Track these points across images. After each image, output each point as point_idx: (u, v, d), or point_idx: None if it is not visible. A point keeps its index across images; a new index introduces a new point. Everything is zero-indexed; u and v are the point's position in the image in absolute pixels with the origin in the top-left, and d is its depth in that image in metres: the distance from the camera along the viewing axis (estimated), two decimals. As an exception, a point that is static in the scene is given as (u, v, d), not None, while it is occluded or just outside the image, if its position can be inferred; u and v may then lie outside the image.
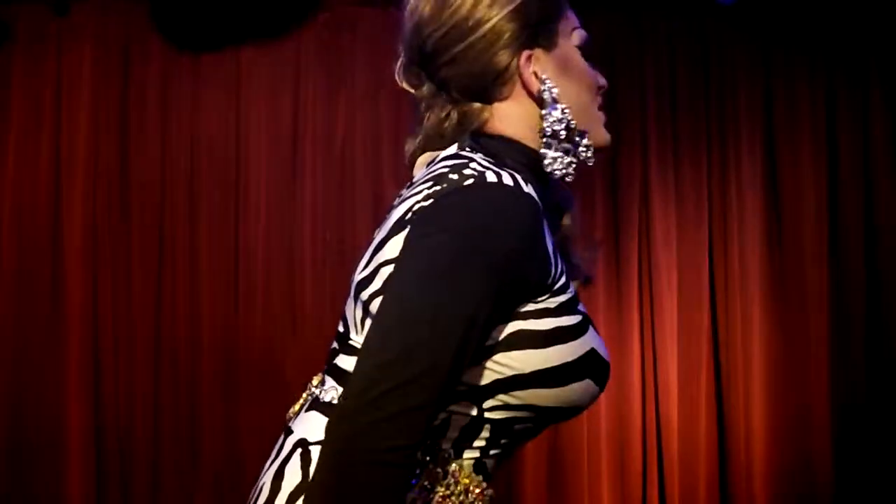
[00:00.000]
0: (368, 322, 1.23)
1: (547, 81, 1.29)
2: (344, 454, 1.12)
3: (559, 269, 1.25)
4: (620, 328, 4.11)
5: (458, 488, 1.26)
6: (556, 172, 1.29)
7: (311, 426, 1.27)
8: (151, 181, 3.98)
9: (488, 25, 1.27)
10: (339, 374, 1.28)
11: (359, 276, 1.27)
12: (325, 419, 1.24)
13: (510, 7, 1.28)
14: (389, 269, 1.21)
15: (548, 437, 4.06)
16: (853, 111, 4.24)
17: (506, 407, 1.24)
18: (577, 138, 1.31)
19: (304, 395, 1.35)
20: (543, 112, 1.28)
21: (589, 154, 1.32)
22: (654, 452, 4.07)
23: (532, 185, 1.26)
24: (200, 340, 3.92)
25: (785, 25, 4.22)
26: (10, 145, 3.95)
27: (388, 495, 1.13)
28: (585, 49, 1.34)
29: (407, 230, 1.20)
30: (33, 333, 3.89)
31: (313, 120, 4.01)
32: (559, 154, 1.29)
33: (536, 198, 1.24)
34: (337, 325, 1.34)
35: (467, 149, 1.29)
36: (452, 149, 1.30)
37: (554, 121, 1.28)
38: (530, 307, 1.22)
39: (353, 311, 1.28)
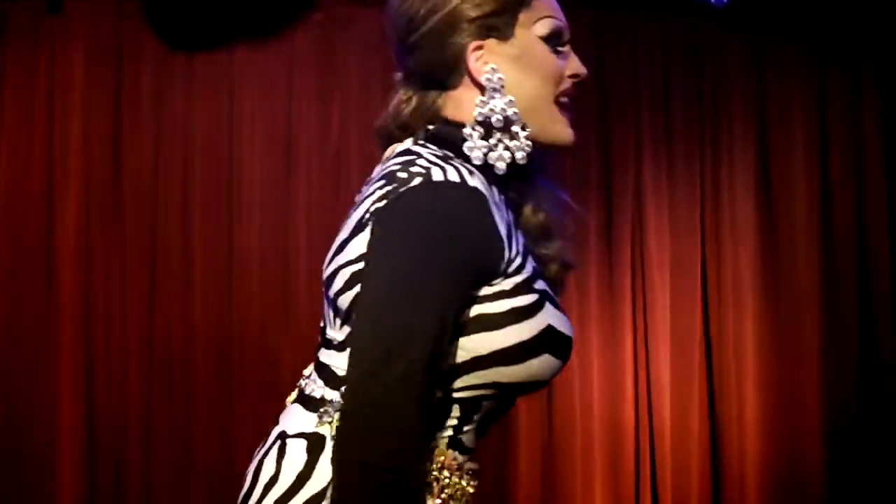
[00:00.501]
0: (339, 320, 1.29)
1: (492, 71, 1.30)
2: (353, 463, 1.17)
3: (514, 252, 1.29)
4: (613, 330, 4.11)
5: (434, 465, 1.31)
6: (474, 158, 1.30)
7: (291, 419, 1.32)
8: (144, 180, 3.96)
9: (443, 13, 1.31)
10: (321, 368, 1.33)
11: (324, 274, 1.31)
12: (306, 412, 1.30)
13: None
14: (352, 269, 1.25)
15: (541, 438, 4.06)
16: (846, 112, 4.26)
17: (471, 387, 1.29)
18: (516, 130, 1.30)
19: (298, 385, 1.40)
20: (478, 100, 1.30)
21: (524, 149, 1.30)
22: (646, 453, 4.08)
23: (481, 173, 1.30)
24: (194, 341, 3.91)
25: (778, 26, 4.23)
26: (1, 144, 3.93)
27: (407, 490, 1.18)
28: (554, 39, 1.35)
29: (366, 232, 1.24)
30: (25, 335, 3.87)
31: (307, 119, 4.00)
32: (483, 143, 1.29)
33: (483, 187, 1.26)
34: None
35: (420, 142, 1.33)
36: (408, 142, 1.34)
37: (489, 109, 1.29)
38: (486, 291, 1.25)
39: (325, 308, 1.33)
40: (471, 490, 1.40)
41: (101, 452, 3.89)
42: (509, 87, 1.31)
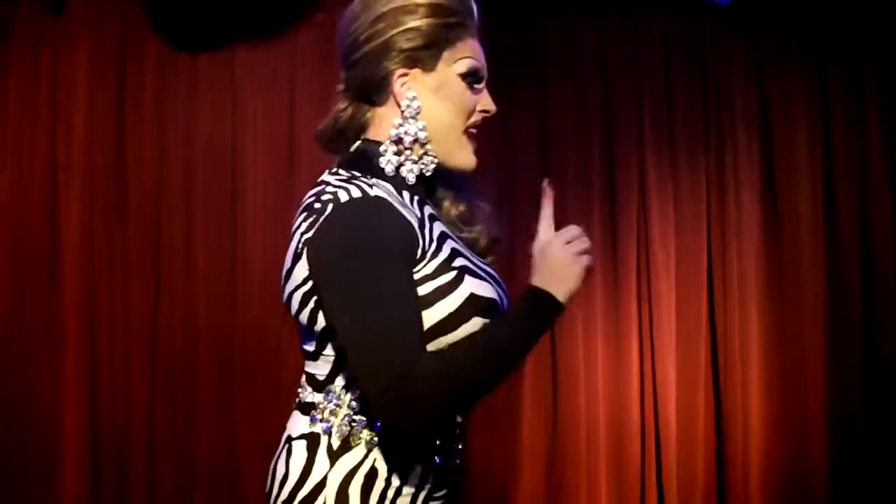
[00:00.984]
0: (305, 334, 1.54)
1: (411, 99, 1.54)
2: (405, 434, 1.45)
3: (428, 240, 1.51)
4: (618, 328, 4.11)
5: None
6: (388, 170, 1.54)
7: (294, 424, 1.57)
8: (148, 180, 3.96)
9: (380, 40, 1.53)
10: (307, 376, 1.57)
11: (283, 298, 1.55)
12: (302, 416, 1.55)
13: (398, 30, 1.52)
14: (301, 291, 1.50)
15: (546, 435, 4.05)
16: (848, 109, 4.26)
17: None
18: (423, 152, 1.55)
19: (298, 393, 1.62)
20: (396, 121, 1.54)
21: (428, 168, 1.55)
22: (651, 451, 4.08)
23: (392, 182, 1.54)
24: (197, 341, 3.91)
25: (779, 24, 4.22)
26: (6, 144, 3.93)
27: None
28: (471, 77, 1.57)
29: (303, 259, 1.47)
30: (29, 334, 3.87)
31: (310, 119, 3.98)
32: (397, 157, 1.53)
33: (385, 194, 1.49)
34: None
35: (332, 171, 1.57)
36: (325, 174, 1.57)
37: (403, 130, 1.53)
38: (416, 277, 1.48)
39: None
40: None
41: (104, 453, 3.89)
42: (425, 114, 1.55)
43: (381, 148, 1.55)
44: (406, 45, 1.54)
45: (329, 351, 1.52)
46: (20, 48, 3.93)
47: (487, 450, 4.01)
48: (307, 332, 1.54)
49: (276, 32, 3.95)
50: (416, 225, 1.50)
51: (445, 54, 1.56)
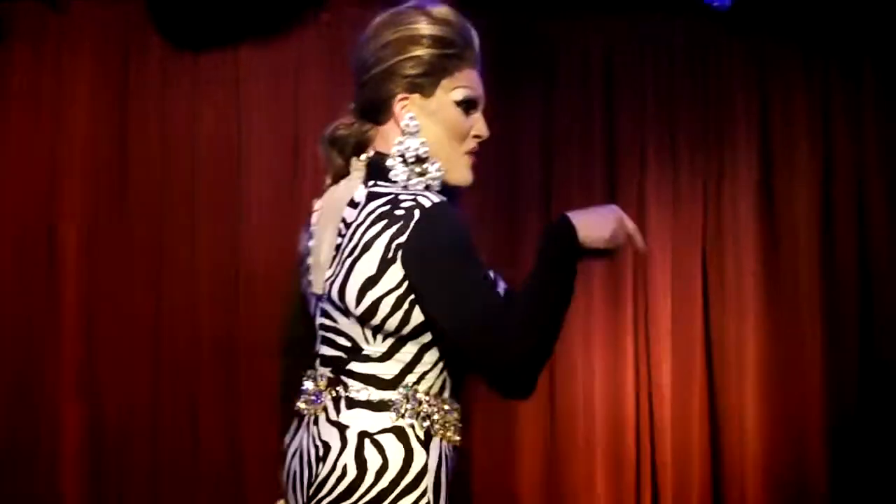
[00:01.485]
0: (380, 336, 1.64)
1: (410, 119, 1.69)
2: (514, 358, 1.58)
3: None
4: (616, 331, 4.13)
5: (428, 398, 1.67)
6: (400, 181, 1.68)
7: (365, 421, 1.65)
8: (151, 180, 3.97)
9: (386, 65, 1.70)
10: (364, 378, 1.66)
11: (355, 306, 1.63)
12: (377, 413, 1.64)
13: (402, 57, 1.69)
14: (395, 295, 1.61)
15: (543, 438, 4.07)
16: (848, 116, 4.28)
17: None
18: (427, 166, 1.70)
19: (310, 399, 1.72)
20: (397, 139, 1.69)
21: (435, 181, 1.70)
22: (647, 454, 4.10)
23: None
24: (200, 341, 3.91)
25: (780, 28, 4.23)
26: (8, 143, 3.94)
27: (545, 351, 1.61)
28: (465, 104, 1.73)
29: (398, 264, 1.59)
30: (30, 333, 3.88)
31: (314, 120, 3.99)
32: (406, 170, 1.69)
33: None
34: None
35: (371, 184, 1.69)
36: (361, 189, 1.70)
37: (405, 146, 1.69)
38: None
39: (356, 331, 1.65)
40: (455, 419, 1.72)
41: (105, 450, 3.89)
42: (423, 133, 1.70)
43: (389, 162, 1.69)
44: (409, 72, 1.70)
45: (406, 351, 1.65)
46: (22, 47, 3.95)
47: (486, 447, 4.02)
48: (386, 334, 1.64)
49: (279, 32, 3.96)
50: None
51: (444, 82, 1.72)
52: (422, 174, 1.69)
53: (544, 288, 1.60)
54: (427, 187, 1.67)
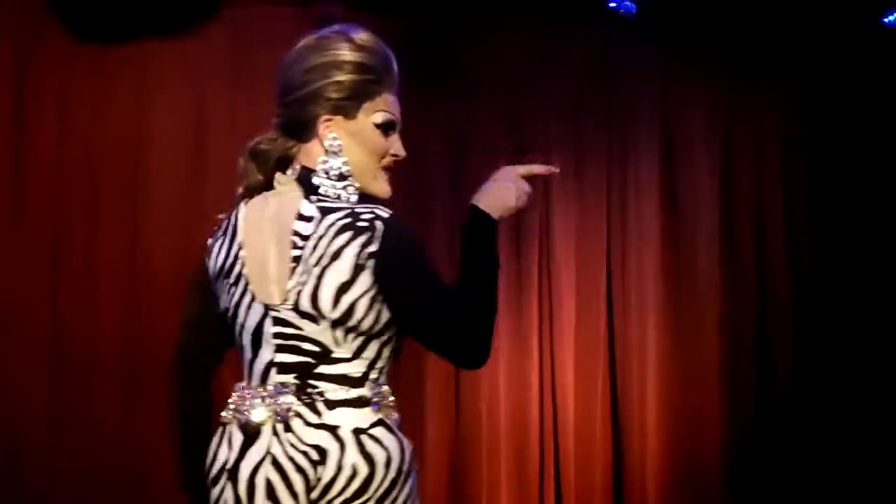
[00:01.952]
0: (352, 335, 1.75)
1: (332, 139, 1.83)
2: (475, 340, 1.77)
3: None
4: (520, 331, 4.18)
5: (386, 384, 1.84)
6: (331, 195, 1.82)
7: (353, 418, 1.75)
8: (48, 177, 3.86)
9: (311, 88, 1.82)
10: (336, 378, 1.76)
11: (332, 311, 1.73)
12: (360, 409, 1.75)
13: (326, 81, 1.81)
14: (368, 296, 1.73)
15: (448, 438, 4.10)
16: (747, 118, 4.42)
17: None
18: (347, 184, 1.84)
19: (278, 404, 1.76)
20: (321, 158, 1.83)
21: (352, 196, 1.83)
22: (550, 454, 4.16)
23: None
24: (99, 341, 3.82)
25: (686, 37, 4.33)
26: None
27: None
28: (384, 127, 1.86)
29: (368, 270, 1.73)
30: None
31: (218, 117, 3.94)
32: (329, 184, 1.83)
33: None
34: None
35: (316, 198, 1.81)
36: (310, 204, 1.80)
37: (328, 165, 1.83)
38: None
39: (326, 335, 1.75)
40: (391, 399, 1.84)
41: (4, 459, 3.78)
42: (345, 152, 1.83)
43: (315, 179, 1.82)
44: (332, 96, 1.82)
45: (370, 349, 1.78)
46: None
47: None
48: (357, 334, 1.76)
49: (185, 28, 3.90)
50: None
51: (365, 106, 1.84)
52: (343, 188, 1.83)
53: (481, 274, 1.77)
54: (361, 198, 1.84)
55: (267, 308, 1.76)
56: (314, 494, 1.71)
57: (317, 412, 1.74)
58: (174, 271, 3.80)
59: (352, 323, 1.74)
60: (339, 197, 1.82)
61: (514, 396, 4.14)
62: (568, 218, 4.25)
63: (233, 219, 1.87)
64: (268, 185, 1.85)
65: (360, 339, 1.76)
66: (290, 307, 1.74)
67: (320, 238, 1.75)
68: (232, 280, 1.82)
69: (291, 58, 1.86)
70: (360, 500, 1.73)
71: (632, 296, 4.27)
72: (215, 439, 1.81)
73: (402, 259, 1.75)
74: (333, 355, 1.77)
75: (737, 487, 4.27)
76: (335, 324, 1.74)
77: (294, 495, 1.71)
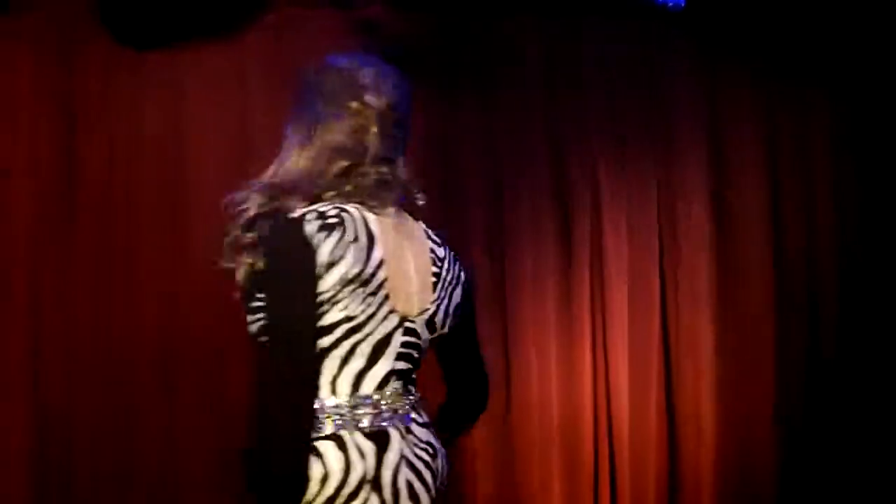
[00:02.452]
0: (430, 343, 1.98)
1: None
2: None
3: None
4: (571, 334, 4.12)
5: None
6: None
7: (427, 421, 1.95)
8: (96, 179, 3.90)
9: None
10: (414, 381, 1.93)
11: (443, 329, 1.97)
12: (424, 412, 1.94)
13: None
14: (463, 309, 2.04)
15: (499, 441, 4.06)
16: (795, 112, 4.34)
17: None
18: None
19: (399, 409, 1.85)
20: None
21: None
22: (605, 457, 4.10)
23: None
24: (143, 343, 3.86)
25: (732, 31, 4.27)
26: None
27: None
28: None
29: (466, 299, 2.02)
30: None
31: (259, 122, 3.95)
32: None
33: None
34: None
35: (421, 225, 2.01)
36: (423, 229, 2.00)
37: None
38: None
39: (428, 346, 1.96)
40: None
41: (49, 454, 3.82)
42: None
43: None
44: None
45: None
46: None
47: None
48: (435, 340, 1.96)
49: (224, 33, 3.92)
50: None
51: None
52: None
53: None
54: None
55: (403, 319, 1.83)
56: (438, 482, 1.88)
57: (419, 413, 1.89)
58: (215, 274, 3.83)
59: (446, 329, 1.97)
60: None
61: (565, 397, 4.09)
62: (618, 216, 4.18)
63: (358, 224, 1.77)
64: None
65: (434, 344, 1.98)
66: (424, 319, 1.88)
67: (450, 262, 1.97)
68: (371, 289, 1.77)
69: (398, 75, 1.94)
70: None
71: (685, 296, 4.20)
72: (334, 453, 1.72)
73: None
74: (420, 361, 1.94)
75: (792, 489, 4.20)
76: (437, 338, 1.96)
77: (428, 489, 1.84)
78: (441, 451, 1.92)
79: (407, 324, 1.84)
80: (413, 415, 1.87)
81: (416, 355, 1.90)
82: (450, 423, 2.07)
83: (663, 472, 4.15)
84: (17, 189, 3.85)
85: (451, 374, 2.07)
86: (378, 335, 1.79)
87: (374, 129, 1.84)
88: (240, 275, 1.84)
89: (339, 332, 1.75)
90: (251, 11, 3.93)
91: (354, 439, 1.75)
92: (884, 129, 4.34)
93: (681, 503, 4.18)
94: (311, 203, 1.80)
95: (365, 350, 1.78)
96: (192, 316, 3.84)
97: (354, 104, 1.86)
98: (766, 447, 4.21)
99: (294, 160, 1.89)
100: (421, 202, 1.94)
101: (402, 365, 1.85)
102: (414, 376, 1.91)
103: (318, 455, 1.71)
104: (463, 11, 4.06)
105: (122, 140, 3.91)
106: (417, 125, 3.95)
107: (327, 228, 1.73)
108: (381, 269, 1.77)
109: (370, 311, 1.77)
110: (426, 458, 1.86)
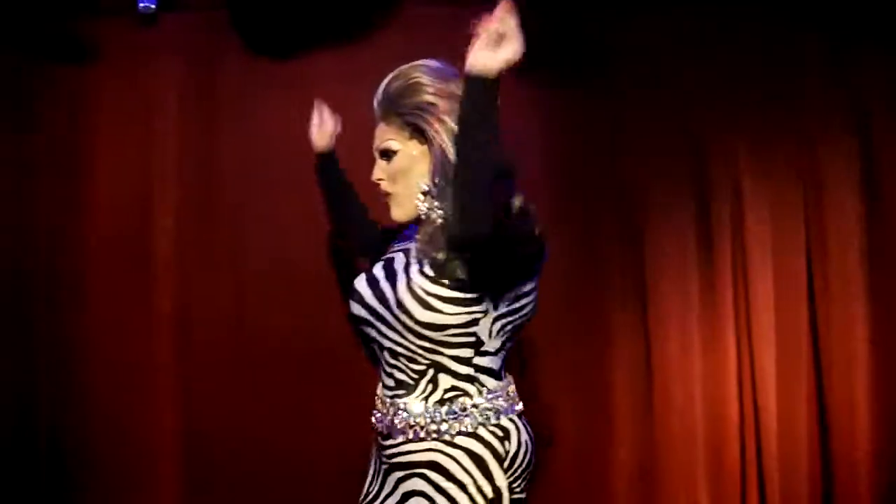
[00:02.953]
0: None
1: None
2: None
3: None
4: (714, 327, 4.00)
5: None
6: None
7: None
8: (236, 186, 4.03)
9: None
10: None
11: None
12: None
13: None
14: None
15: (640, 439, 4.00)
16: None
17: None
18: None
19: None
20: None
21: None
22: (752, 452, 3.95)
23: None
24: (285, 345, 3.95)
25: (868, 19, 4.06)
26: (102, 156, 4.04)
27: None
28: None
29: None
30: (127, 341, 3.99)
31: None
32: None
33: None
34: None
35: None
36: None
37: None
38: None
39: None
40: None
41: (198, 457, 3.97)
42: None
43: None
44: None
45: None
46: (112, 62, 4.04)
47: (581, 449, 3.97)
48: None
49: (356, 35, 3.98)
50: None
51: None
52: None
53: (471, 148, 1.96)
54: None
55: None
56: None
57: None
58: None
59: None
60: None
61: (710, 393, 3.97)
62: (760, 203, 4.03)
63: None
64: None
65: None
66: None
67: None
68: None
69: None
70: None
71: (834, 285, 4.00)
72: (524, 428, 2.27)
73: None
74: None
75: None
76: None
77: None
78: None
79: None
80: None
81: None
82: None
83: (815, 470, 3.97)
84: (161, 195, 4.01)
85: None
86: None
87: None
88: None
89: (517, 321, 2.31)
90: (382, 13, 3.98)
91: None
92: None
93: (836, 501, 4.00)
94: None
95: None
96: (333, 318, 3.90)
97: None
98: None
99: None
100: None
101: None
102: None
103: (517, 428, 2.26)
104: (593, 7, 4.00)
105: (261, 143, 4.02)
106: (547, 122, 3.97)
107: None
108: None
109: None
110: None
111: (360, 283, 2.31)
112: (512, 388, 2.29)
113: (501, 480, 2.17)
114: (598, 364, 3.98)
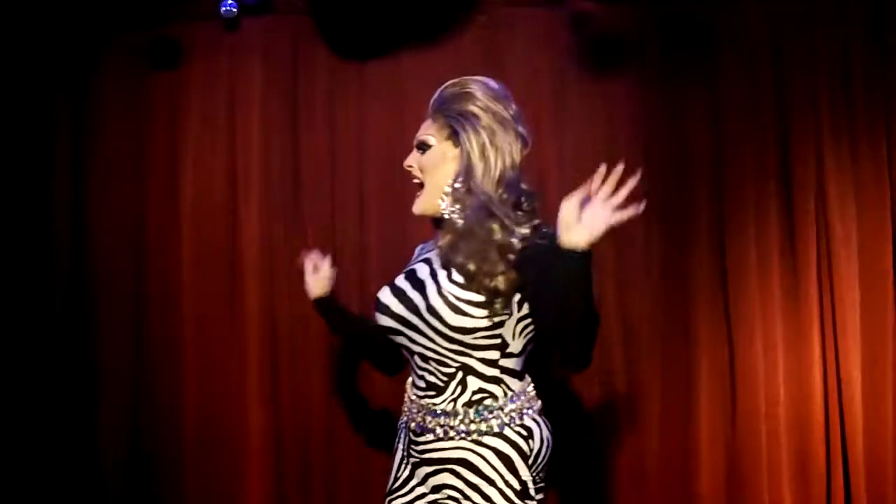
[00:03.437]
0: None
1: None
2: None
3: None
4: (799, 327, 3.92)
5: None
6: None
7: None
8: (321, 190, 4.08)
9: None
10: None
11: None
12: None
13: None
14: None
15: (725, 437, 3.94)
16: None
17: None
18: None
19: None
20: None
21: None
22: (838, 454, 3.88)
23: None
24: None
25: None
26: (188, 157, 4.11)
27: None
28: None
29: None
30: (216, 340, 4.06)
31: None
32: None
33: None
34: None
35: None
36: None
37: None
38: None
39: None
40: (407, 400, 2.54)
41: (286, 451, 4.03)
42: None
43: None
44: None
45: None
46: (198, 66, 4.11)
47: (665, 450, 3.93)
48: None
49: (436, 37, 3.98)
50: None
51: None
52: None
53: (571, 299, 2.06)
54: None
55: None
56: None
57: None
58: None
59: None
60: None
61: (794, 394, 3.89)
62: (845, 198, 3.93)
63: None
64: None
65: None
66: None
67: None
68: None
69: None
70: None
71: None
72: (545, 425, 2.46)
73: None
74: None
75: None
76: None
77: None
78: None
79: None
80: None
81: None
82: None
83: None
84: (250, 197, 4.07)
85: None
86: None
87: None
88: None
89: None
90: (461, 15, 3.98)
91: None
92: None
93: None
94: None
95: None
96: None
97: None
98: None
99: None
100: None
101: None
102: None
103: (539, 426, 2.44)
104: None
105: (345, 145, 4.06)
106: (641, 114, 3.91)
107: None
108: None
109: None
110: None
111: (385, 296, 2.49)
112: (531, 387, 2.46)
113: (526, 475, 2.36)
114: (683, 365, 3.93)
